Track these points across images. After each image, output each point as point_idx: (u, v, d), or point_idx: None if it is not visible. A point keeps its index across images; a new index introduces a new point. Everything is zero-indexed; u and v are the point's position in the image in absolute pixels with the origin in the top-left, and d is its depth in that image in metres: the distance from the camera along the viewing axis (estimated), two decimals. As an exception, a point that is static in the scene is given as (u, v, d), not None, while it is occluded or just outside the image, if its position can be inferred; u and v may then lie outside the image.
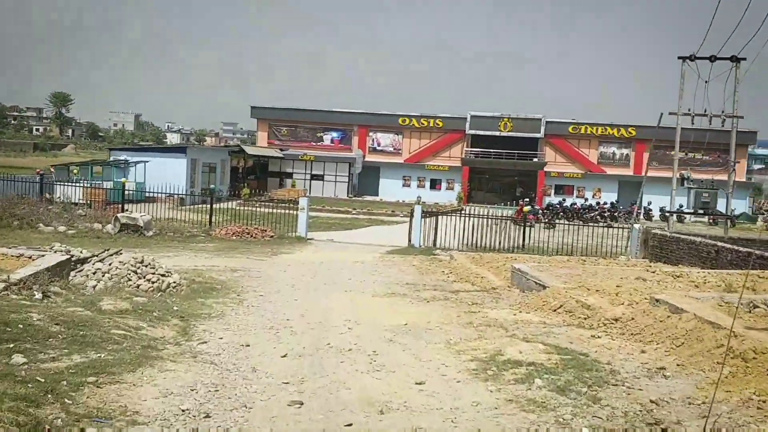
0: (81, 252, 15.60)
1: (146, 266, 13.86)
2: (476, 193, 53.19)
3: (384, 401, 5.92)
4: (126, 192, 29.25)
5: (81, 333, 7.66)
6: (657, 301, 9.07)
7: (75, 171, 38.11)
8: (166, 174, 34.49)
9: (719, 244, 17.83)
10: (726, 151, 49.37)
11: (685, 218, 46.41)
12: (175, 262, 17.52)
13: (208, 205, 27.38)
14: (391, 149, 55.94)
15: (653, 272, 14.34)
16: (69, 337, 7.40)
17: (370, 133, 56.04)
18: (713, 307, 8.44)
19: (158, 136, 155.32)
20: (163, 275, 13.73)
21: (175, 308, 11.23)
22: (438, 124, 54.71)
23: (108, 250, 16.01)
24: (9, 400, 4.92)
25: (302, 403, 5.86)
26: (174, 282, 13.66)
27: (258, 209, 27.22)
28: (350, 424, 5.41)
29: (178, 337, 8.75)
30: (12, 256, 12.73)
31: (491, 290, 14.27)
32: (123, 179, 31.90)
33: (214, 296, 12.94)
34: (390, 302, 12.75)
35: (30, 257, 12.75)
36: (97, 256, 14.98)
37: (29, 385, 5.41)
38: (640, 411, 5.66)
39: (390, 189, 54.30)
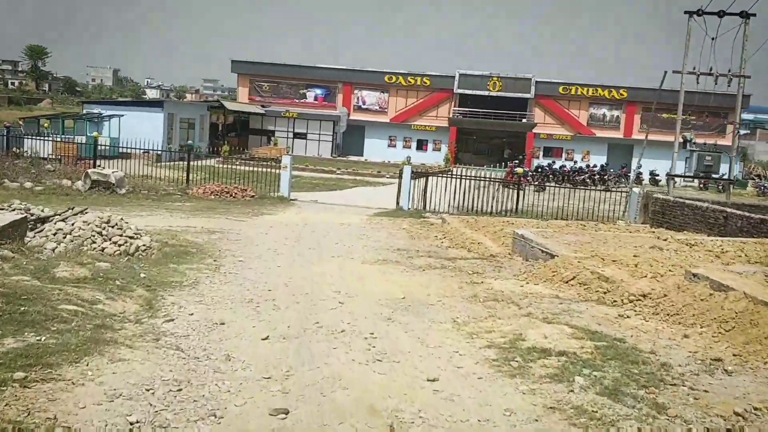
0: (42, 210, 14.18)
1: (113, 227, 12.58)
2: (463, 154, 51.82)
3: (392, 408, 4.74)
4: (99, 147, 27.61)
5: (21, 309, 6.38)
6: (694, 276, 7.96)
7: (45, 124, 36.23)
8: (142, 129, 32.86)
9: (728, 210, 16.81)
10: (718, 114, 48.52)
11: (676, 182, 45.56)
12: (148, 222, 16.24)
13: (186, 163, 25.88)
14: (377, 108, 54.27)
15: (665, 240, 13.26)
16: (5, 315, 6.12)
17: (355, 91, 54.25)
18: (763, 285, 7.34)
19: (137, 92, 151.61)
20: (131, 237, 12.45)
21: (142, 275, 9.99)
22: (425, 83, 53.02)
23: (73, 208, 14.62)
24: None
25: (287, 412, 4.65)
26: (144, 245, 12.39)
27: (238, 167, 25.78)
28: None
29: (141, 313, 7.52)
30: (-42, 214, 11.35)
31: (490, 258, 13.14)
32: (95, 133, 30.17)
33: (188, 261, 11.72)
34: (382, 270, 11.57)
35: (-21, 216, 11.38)
36: (59, 215, 13.58)
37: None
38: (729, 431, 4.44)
39: (375, 149, 52.82)
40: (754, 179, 48.82)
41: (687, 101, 50.79)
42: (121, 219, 12.95)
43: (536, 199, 23.68)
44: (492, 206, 22.74)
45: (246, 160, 27.12)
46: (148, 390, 4.86)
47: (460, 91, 52.64)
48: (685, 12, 21.97)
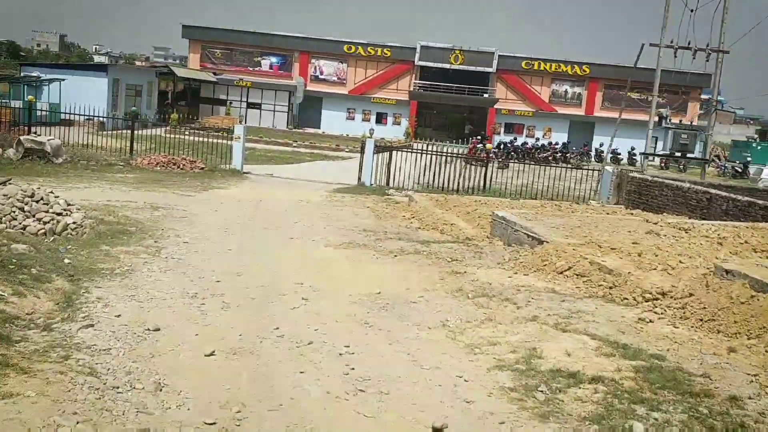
0: (-46, 181, 12.38)
1: (38, 201, 10.92)
2: (423, 129, 50.50)
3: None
4: (37, 113, 25.34)
5: None
6: (727, 272, 6.79)
7: (-24, 87, 33.50)
8: (85, 95, 30.32)
9: (712, 191, 15.88)
10: (679, 92, 48.13)
11: (638, 160, 45.21)
12: (84, 195, 14.56)
13: (131, 131, 23.89)
14: (335, 79, 52.31)
15: (656, 224, 12.17)
16: None
17: (313, 60, 52.15)
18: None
19: (84, 59, 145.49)
20: (59, 214, 10.82)
21: (66, 261, 8.44)
22: (386, 54, 51.23)
23: (-7, 180, 12.82)
24: None
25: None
26: (73, 222, 10.77)
27: (188, 137, 23.89)
28: None
29: (54, 314, 5.99)
30: None
31: (466, 241, 11.86)
32: (30, 97, 27.76)
33: (125, 242, 10.17)
34: (350, 256, 10.19)
35: None
36: (-27, 186, 11.80)
37: None
38: None
39: (333, 121, 50.95)
40: (714, 160, 48.66)
41: (649, 78, 50.58)
42: (50, 192, 11.31)
43: (500, 176, 22.46)
44: (459, 183, 21.49)
45: (196, 130, 25.20)
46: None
47: (422, 63, 51.08)
48: (665, -17, 20.93)
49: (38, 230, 10.18)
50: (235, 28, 52.10)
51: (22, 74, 37.40)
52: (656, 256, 8.65)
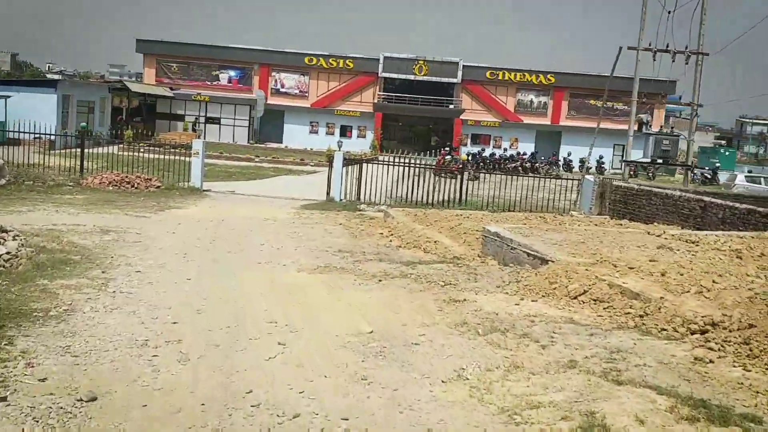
0: None
1: (-37, 230, 9.46)
2: (388, 142, 49.37)
3: None
4: (-22, 132, 23.49)
5: None
6: (795, 298, 5.71)
7: None
8: (34, 112, 28.40)
9: (706, 199, 15.00)
10: (645, 102, 47.88)
11: (606, 169, 44.77)
12: (26, 219, 13.07)
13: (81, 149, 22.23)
14: (297, 92, 50.92)
15: (659, 236, 11.15)
16: None
17: (273, 73, 50.69)
18: None
19: (37, 77, 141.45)
20: (-12, 243, 9.38)
21: (-9, 301, 7.01)
22: (348, 65, 50.05)
23: None
24: None
25: None
26: (6, 253, 9.34)
27: (143, 155, 22.33)
28: None
29: (-44, 382, 4.57)
30: None
31: (455, 261, 10.68)
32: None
33: (67, 274, 8.76)
34: (327, 282, 8.90)
35: None
36: None
37: None
38: None
39: (296, 135, 49.49)
40: (697, 166, 48.44)
41: (616, 86, 50.35)
42: (-21, 219, 9.84)
43: (472, 188, 21.34)
44: (433, 197, 20.35)
45: (152, 147, 23.61)
46: None
47: (385, 74, 50.05)
48: (641, -17, 20.20)
49: (-37, 263, 8.76)
50: (192, 42, 50.46)
51: (-37, 91, 35.19)
52: (681, 275, 7.57)
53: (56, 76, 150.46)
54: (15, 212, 14.23)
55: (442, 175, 22.74)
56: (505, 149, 47.47)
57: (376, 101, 50.08)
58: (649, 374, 4.84)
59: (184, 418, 4.12)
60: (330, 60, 50.10)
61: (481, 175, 23.98)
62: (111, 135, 31.41)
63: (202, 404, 4.34)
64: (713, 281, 7.11)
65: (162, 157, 21.32)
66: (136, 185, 19.70)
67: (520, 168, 38.81)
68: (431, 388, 4.71)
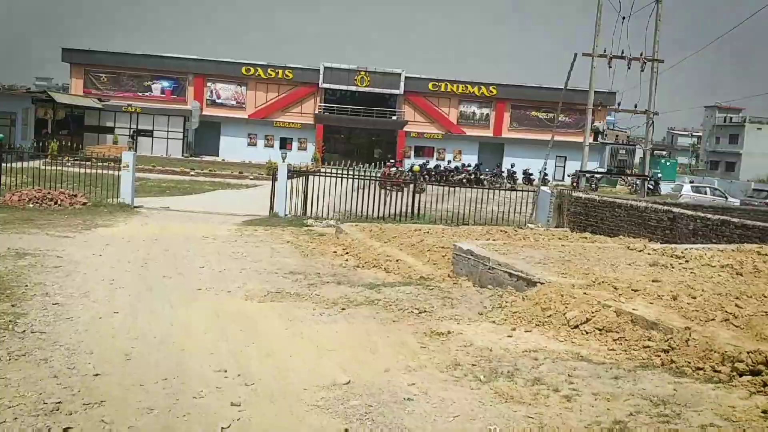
0: None
1: None
2: (330, 155, 48.07)
3: None
4: None
5: None
6: None
7: None
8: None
9: (675, 210, 14.34)
10: (583, 112, 48.01)
11: (549, 181, 44.55)
12: (-76, 245, 11.34)
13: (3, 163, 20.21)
14: (234, 103, 49.08)
15: (641, 250, 10.28)
16: None
17: (208, 84, 48.73)
18: None
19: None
20: None
21: None
22: (287, 76, 48.53)
23: None
24: None
25: None
26: None
27: (69, 169, 20.45)
28: None
29: None
30: None
31: (423, 282, 9.55)
32: None
33: (-35, 311, 7.22)
34: (282, 313, 7.60)
35: None
36: None
37: None
38: None
39: (233, 148, 47.63)
40: (653, 176, 48.74)
41: (552, 98, 50.44)
42: None
43: (419, 201, 20.21)
44: (384, 210, 19.22)
45: (79, 161, 21.72)
46: None
47: (326, 85, 48.79)
48: (594, -12, 19.66)
49: None
50: (122, 51, 48.09)
51: None
52: (694, 298, 6.62)
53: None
54: None
55: (388, 188, 21.71)
56: (449, 161, 46.79)
57: (317, 112, 48.78)
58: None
59: None
60: (268, 70, 48.54)
61: (428, 187, 23.00)
62: (35, 148, 29.23)
63: None
64: (737, 306, 6.17)
65: (90, 171, 19.53)
66: (59, 202, 17.91)
67: (465, 180, 38.20)
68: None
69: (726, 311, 5.99)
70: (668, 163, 46.92)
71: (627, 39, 18.77)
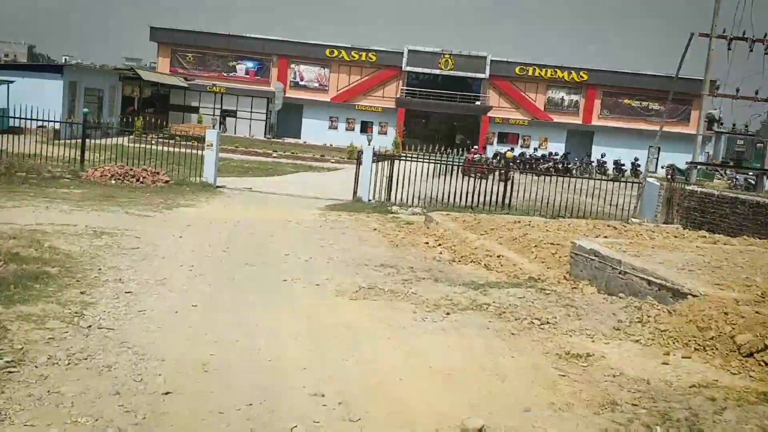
0: None
1: None
2: (411, 140, 46.97)
3: None
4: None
5: None
6: None
7: None
8: (38, 99, 26.20)
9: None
10: (682, 101, 45.15)
11: (641, 172, 42.03)
12: (8, 217, 11.13)
13: (82, 138, 20.04)
14: (317, 85, 48.57)
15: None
16: None
17: (292, 65, 48.36)
18: None
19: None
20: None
21: None
22: (371, 59, 47.60)
23: None
24: None
25: None
26: (-42, 263, 7.18)
27: (153, 147, 20.10)
28: None
29: None
30: None
31: (534, 284, 8.33)
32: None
33: (33, 296, 6.64)
34: (381, 317, 6.59)
35: None
36: None
37: None
38: None
39: (314, 131, 47.20)
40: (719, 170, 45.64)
41: (649, 85, 47.68)
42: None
43: (504, 190, 18.73)
44: (471, 199, 17.99)
45: (164, 139, 21.40)
46: None
47: (409, 68, 47.61)
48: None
49: None
50: (208, 31, 48.25)
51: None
52: None
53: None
54: (-1, 208, 12.11)
55: (472, 174, 20.49)
56: (535, 149, 44.91)
57: (399, 96, 47.69)
58: None
59: None
60: (352, 52, 47.73)
61: (515, 175, 21.50)
62: (120, 125, 29.39)
63: None
64: None
65: (173, 149, 19.10)
66: (141, 179, 17.51)
67: (552, 169, 36.46)
68: None
69: None
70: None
71: (751, 22, 16.78)
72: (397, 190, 18.08)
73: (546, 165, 37.46)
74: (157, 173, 18.01)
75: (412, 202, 17.86)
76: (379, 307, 7.02)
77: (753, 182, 38.81)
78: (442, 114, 48.74)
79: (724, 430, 3.89)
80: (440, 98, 47.23)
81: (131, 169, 17.94)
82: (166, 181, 17.71)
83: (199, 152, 18.99)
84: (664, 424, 3.95)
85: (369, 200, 18.11)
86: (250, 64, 48.40)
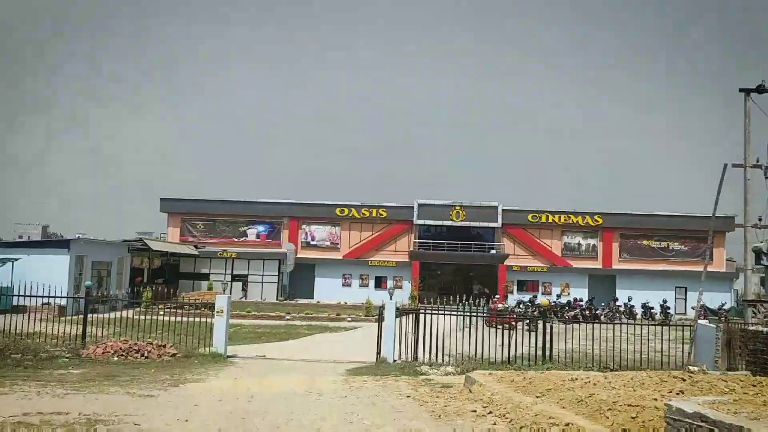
0: None
1: None
2: (426, 292, 45.62)
3: None
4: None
5: None
6: None
7: None
8: (47, 274, 25.32)
9: None
10: (704, 239, 44.18)
11: (671, 314, 40.24)
12: (-10, 407, 9.47)
13: (94, 314, 18.84)
14: (328, 244, 48.02)
15: None
16: None
17: (303, 226, 48.12)
18: None
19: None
20: None
21: None
22: (381, 214, 47.39)
23: None
24: None
25: None
26: None
27: (162, 318, 18.78)
28: None
29: None
30: None
31: (623, 460, 6.62)
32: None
33: None
34: None
35: None
36: None
37: None
38: None
39: (328, 289, 46.01)
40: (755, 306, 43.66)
41: (663, 225, 46.91)
42: None
43: (532, 340, 17.10)
44: (507, 353, 16.35)
45: (173, 308, 20.17)
46: None
47: (421, 222, 47.25)
48: (741, 90, 17.16)
49: None
50: (218, 198, 48.52)
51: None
52: None
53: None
54: (-22, 399, 10.64)
55: (497, 326, 19.03)
56: (558, 295, 43.37)
57: (412, 249, 46.94)
58: None
59: None
60: (362, 210, 47.66)
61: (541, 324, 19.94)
62: (129, 296, 28.30)
63: None
64: None
65: (182, 319, 17.76)
66: (146, 354, 16.10)
67: (579, 316, 34.78)
68: None
69: None
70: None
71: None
72: (423, 347, 16.51)
73: (573, 312, 35.83)
74: (163, 346, 16.59)
75: (442, 359, 16.25)
76: None
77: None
78: (457, 264, 47.76)
79: None
80: (454, 249, 46.45)
81: (135, 344, 16.55)
82: (173, 354, 16.25)
83: (209, 320, 17.65)
84: None
85: (394, 360, 16.48)
86: (260, 228, 48.23)
